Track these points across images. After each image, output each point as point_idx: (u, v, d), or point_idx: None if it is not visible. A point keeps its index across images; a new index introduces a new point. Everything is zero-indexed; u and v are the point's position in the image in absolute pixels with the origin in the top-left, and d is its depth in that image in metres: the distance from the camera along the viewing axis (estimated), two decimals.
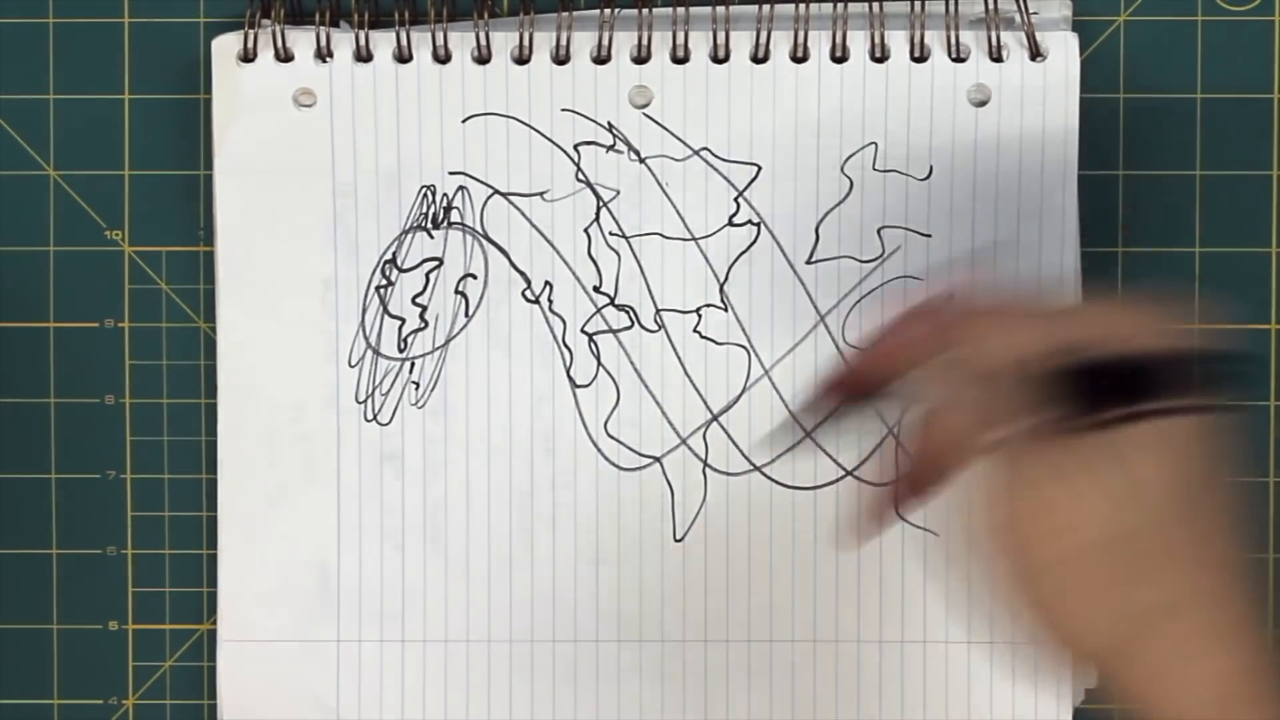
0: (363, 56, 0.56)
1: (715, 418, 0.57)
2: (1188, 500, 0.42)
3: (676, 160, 0.57)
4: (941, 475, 0.45)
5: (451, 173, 0.57)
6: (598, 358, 0.57)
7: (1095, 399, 0.41)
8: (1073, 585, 0.42)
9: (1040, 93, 0.56)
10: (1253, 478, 0.58)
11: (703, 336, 0.57)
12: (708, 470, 0.57)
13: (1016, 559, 0.43)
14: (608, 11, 0.56)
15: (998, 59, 0.56)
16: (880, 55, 0.56)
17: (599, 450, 0.57)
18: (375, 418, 0.57)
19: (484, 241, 0.57)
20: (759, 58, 0.56)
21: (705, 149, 0.57)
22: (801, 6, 0.56)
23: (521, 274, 0.57)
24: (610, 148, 0.57)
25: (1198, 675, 0.42)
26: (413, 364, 0.57)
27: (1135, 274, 0.58)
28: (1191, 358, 0.42)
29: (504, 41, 0.56)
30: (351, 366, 0.57)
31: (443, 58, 0.56)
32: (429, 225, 0.57)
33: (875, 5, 0.56)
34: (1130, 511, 0.42)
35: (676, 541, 0.57)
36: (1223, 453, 0.43)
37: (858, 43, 0.56)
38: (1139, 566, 0.42)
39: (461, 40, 0.56)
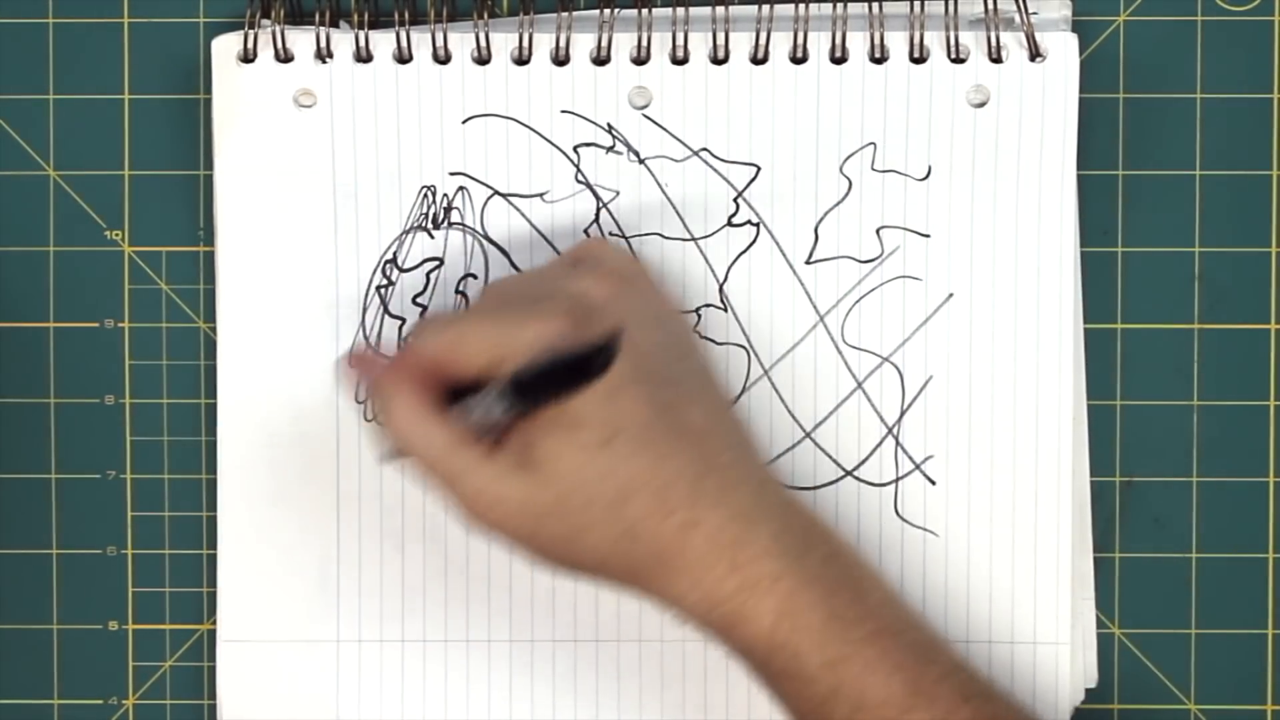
0: (363, 57, 0.56)
1: None
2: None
3: (676, 161, 0.57)
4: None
5: (451, 173, 0.57)
6: None
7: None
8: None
9: (1040, 93, 0.56)
10: (1253, 478, 0.58)
11: (703, 336, 0.57)
12: None
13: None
14: (607, 12, 0.56)
15: (997, 59, 0.56)
16: (879, 56, 0.56)
17: None
18: (375, 418, 0.57)
19: (484, 242, 0.57)
20: (758, 59, 0.56)
21: (704, 149, 0.57)
22: (801, 7, 0.56)
23: None
24: (610, 149, 0.57)
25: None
26: None
27: (1135, 273, 0.58)
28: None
29: (504, 42, 0.56)
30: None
31: (443, 58, 0.56)
32: (429, 225, 0.57)
33: (875, 6, 0.56)
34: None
35: None
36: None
37: (857, 44, 0.56)
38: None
39: (461, 41, 0.56)
